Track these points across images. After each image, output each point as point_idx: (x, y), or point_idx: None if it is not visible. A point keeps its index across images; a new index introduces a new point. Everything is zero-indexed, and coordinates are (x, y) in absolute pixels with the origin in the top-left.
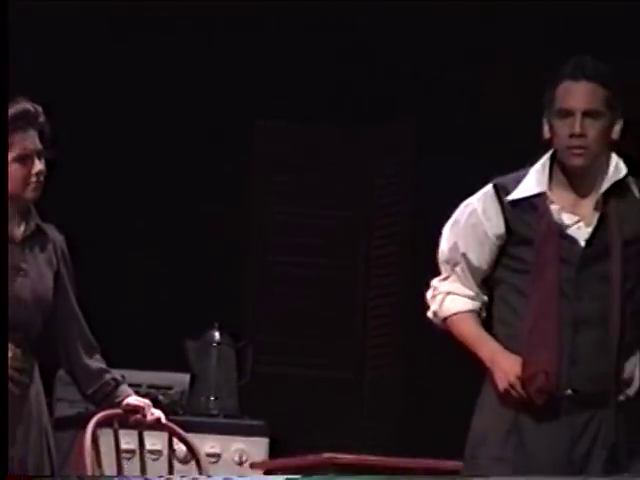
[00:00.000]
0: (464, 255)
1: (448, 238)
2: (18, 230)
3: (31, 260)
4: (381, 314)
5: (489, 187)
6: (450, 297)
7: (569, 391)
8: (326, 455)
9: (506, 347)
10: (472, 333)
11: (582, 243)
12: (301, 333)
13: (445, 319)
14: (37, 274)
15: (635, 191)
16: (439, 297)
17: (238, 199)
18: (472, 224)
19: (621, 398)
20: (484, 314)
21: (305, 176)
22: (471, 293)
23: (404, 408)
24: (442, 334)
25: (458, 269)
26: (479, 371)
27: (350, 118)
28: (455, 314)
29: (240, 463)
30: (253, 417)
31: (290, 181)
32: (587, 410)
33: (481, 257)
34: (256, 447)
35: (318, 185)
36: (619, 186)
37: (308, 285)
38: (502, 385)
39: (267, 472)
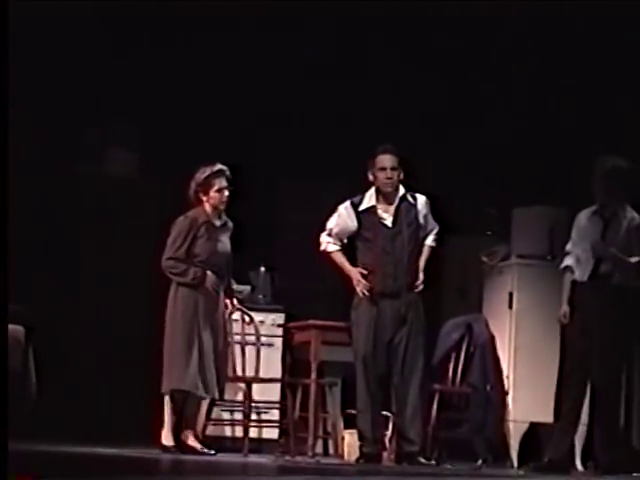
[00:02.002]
0: (337, 230)
1: (332, 220)
2: (217, 222)
3: (223, 235)
4: None
5: (348, 202)
6: (330, 244)
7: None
8: (310, 321)
9: (363, 267)
10: (340, 261)
11: (390, 225)
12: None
13: (328, 254)
14: (225, 241)
15: (410, 199)
16: (324, 244)
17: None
18: (342, 219)
19: (416, 290)
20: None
21: None
22: (339, 243)
23: None
24: None
25: (333, 233)
26: None
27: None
28: (333, 252)
29: (272, 325)
30: (279, 304)
31: None
32: (400, 296)
33: (343, 234)
34: (280, 318)
35: None
36: (403, 198)
37: None
38: (355, 281)
39: (284, 328)
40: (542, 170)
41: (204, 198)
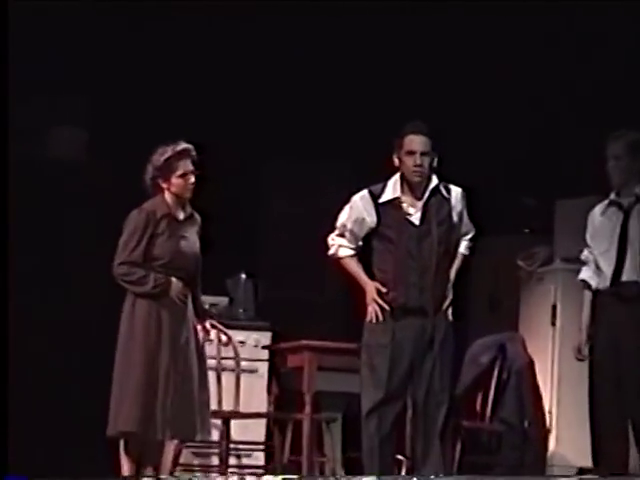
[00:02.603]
0: (351, 227)
1: (343, 214)
2: (181, 214)
3: (188, 231)
4: None
5: (365, 191)
6: (342, 248)
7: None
8: (303, 342)
9: (380, 282)
10: (354, 269)
11: (417, 223)
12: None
13: (339, 259)
14: (192, 239)
15: (444, 191)
16: (335, 247)
17: None
18: (357, 212)
19: (446, 307)
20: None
21: None
22: (353, 245)
23: None
24: None
25: (346, 232)
26: None
27: None
28: (346, 257)
29: (256, 346)
30: (264, 320)
31: None
32: (426, 313)
33: (359, 231)
34: (265, 337)
35: None
36: (435, 190)
37: None
38: (369, 298)
39: (270, 350)
40: (592, 153)
41: (164, 185)
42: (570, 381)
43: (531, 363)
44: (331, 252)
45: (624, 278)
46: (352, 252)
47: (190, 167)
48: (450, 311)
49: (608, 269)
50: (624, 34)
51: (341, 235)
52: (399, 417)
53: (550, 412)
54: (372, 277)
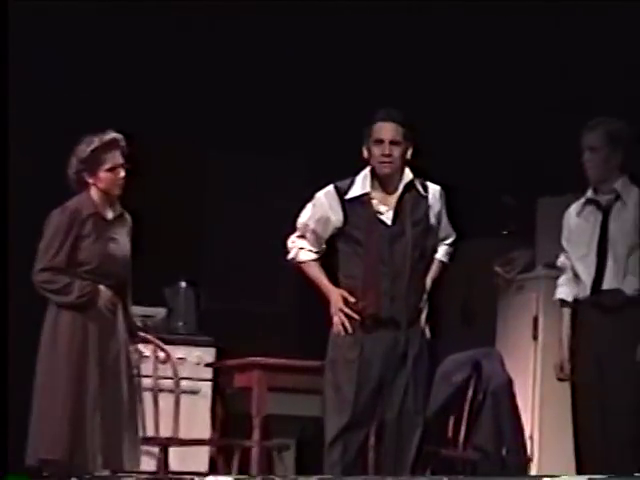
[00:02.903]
0: (314, 227)
1: (305, 213)
2: (109, 213)
3: (118, 232)
4: None
5: (331, 187)
6: (303, 252)
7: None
8: (252, 359)
9: (346, 289)
10: (316, 275)
11: (389, 222)
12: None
13: (299, 264)
14: (123, 241)
15: (420, 188)
16: (295, 250)
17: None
18: (322, 210)
19: (420, 321)
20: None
21: None
22: (316, 249)
23: None
24: None
25: (308, 233)
26: None
27: None
28: (306, 262)
29: (198, 364)
30: (207, 334)
31: None
32: (399, 325)
33: (323, 232)
34: (208, 354)
35: None
36: (409, 186)
37: None
38: (334, 308)
39: (215, 368)
40: (577, 147)
41: (90, 180)
42: (553, 402)
43: (510, 382)
44: (291, 256)
45: (605, 286)
46: (315, 256)
47: (120, 160)
48: (426, 325)
49: (587, 277)
50: (612, 34)
51: (302, 236)
52: (365, 443)
53: (531, 438)
54: (337, 284)
